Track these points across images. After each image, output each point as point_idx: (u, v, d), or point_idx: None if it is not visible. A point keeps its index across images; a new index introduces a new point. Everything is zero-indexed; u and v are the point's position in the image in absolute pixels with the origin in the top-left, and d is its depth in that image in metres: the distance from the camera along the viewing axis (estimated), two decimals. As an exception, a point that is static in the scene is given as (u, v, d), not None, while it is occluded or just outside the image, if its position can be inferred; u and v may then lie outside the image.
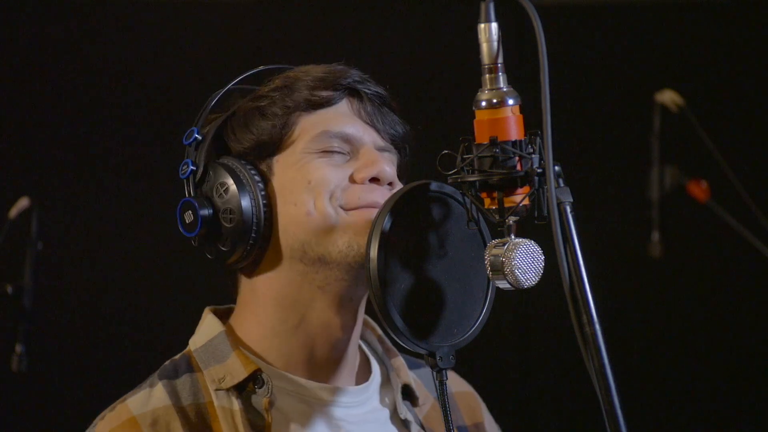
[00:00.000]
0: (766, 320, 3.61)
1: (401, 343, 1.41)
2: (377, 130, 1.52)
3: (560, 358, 3.57)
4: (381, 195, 1.46)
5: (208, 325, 1.52)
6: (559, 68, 3.51)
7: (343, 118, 1.50)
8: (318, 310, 1.48)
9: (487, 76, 1.33)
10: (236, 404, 1.44)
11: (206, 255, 1.50)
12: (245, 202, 1.44)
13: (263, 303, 1.49)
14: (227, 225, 1.45)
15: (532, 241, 1.33)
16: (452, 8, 3.52)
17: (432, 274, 1.42)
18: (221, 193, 1.45)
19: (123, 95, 3.45)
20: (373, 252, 1.38)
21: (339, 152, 1.48)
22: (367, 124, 1.52)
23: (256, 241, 1.46)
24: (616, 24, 3.66)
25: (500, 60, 1.33)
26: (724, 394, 3.62)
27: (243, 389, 1.45)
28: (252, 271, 1.49)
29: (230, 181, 1.44)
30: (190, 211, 1.46)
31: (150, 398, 1.45)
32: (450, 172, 1.37)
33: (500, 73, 1.33)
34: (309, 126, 1.48)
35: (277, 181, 1.47)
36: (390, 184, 1.48)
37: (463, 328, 1.43)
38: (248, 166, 1.46)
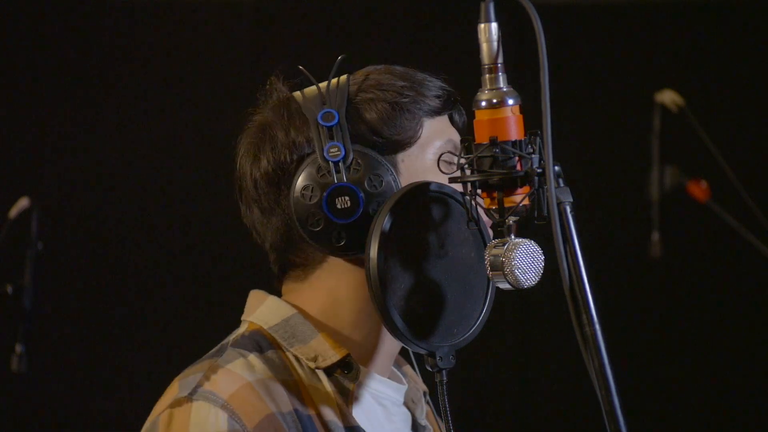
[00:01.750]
0: (766, 320, 3.61)
1: (401, 343, 1.41)
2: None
3: (560, 358, 3.57)
4: None
5: (274, 306, 1.48)
6: (559, 68, 3.52)
7: (451, 128, 1.51)
8: None
9: (487, 76, 1.33)
10: (328, 386, 1.43)
11: (324, 243, 1.43)
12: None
13: (349, 291, 1.46)
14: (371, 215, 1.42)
15: (532, 241, 1.33)
16: (452, 8, 3.52)
17: (432, 274, 1.42)
18: (374, 185, 1.42)
19: (123, 95, 3.45)
20: (373, 252, 1.38)
21: (450, 162, 1.48)
22: (459, 132, 1.54)
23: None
24: (616, 24, 3.67)
25: (500, 60, 1.33)
26: (724, 394, 3.63)
27: (332, 373, 1.44)
28: (353, 259, 1.46)
29: (383, 174, 1.43)
30: (347, 197, 1.41)
31: (252, 367, 1.41)
32: (450, 173, 1.37)
33: (500, 73, 1.33)
34: (433, 132, 1.48)
35: (404, 182, 1.45)
36: None
37: (463, 328, 1.43)
38: (383, 159, 1.45)
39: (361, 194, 1.41)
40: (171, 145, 3.43)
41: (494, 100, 1.33)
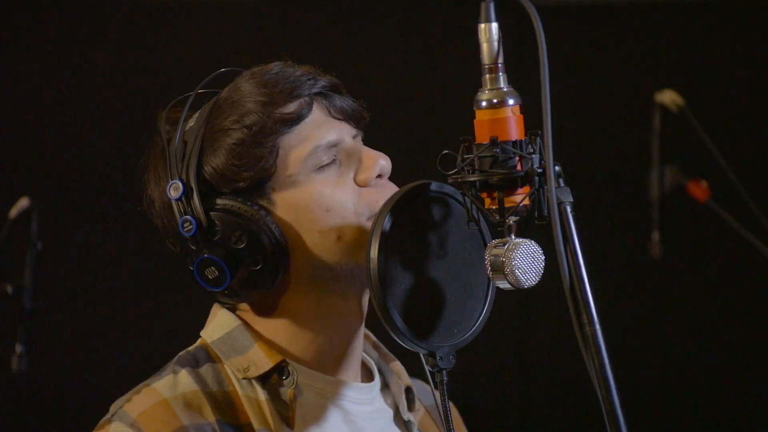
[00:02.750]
0: (766, 320, 3.61)
1: (401, 343, 1.41)
2: (347, 120, 1.50)
3: (560, 358, 3.57)
4: (391, 188, 1.47)
5: (223, 319, 1.51)
6: (559, 68, 3.52)
7: (321, 125, 1.48)
8: (339, 314, 1.49)
9: (488, 76, 1.33)
10: (262, 394, 1.44)
11: (221, 296, 1.48)
12: (267, 244, 1.43)
13: (278, 320, 1.49)
14: (254, 268, 1.43)
15: (533, 241, 1.33)
16: (452, 8, 3.52)
17: (432, 274, 1.42)
18: (237, 240, 1.43)
19: (123, 95, 3.45)
20: (373, 252, 1.38)
21: (328, 163, 1.46)
22: (338, 119, 1.49)
23: (281, 270, 1.45)
24: (616, 24, 3.67)
25: (500, 60, 1.33)
26: (724, 393, 3.62)
27: (267, 380, 1.45)
28: (269, 303, 1.49)
29: (243, 226, 1.42)
30: (213, 268, 1.43)
31: (177, 383, 1.44)
32: (450, 172, 1.37)
33: (500, 73, 1.33)
34: (294, 145, 1.46)
35: (282, 211, 1.45)
36: None
37: (464, 328, 1.43)
38: (249, 204, 1.44)
39: (223, 260, 1.42)
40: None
41: (495, 100, 1.33)
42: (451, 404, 1.49)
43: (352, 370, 1.52)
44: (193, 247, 1.44)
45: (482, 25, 1.32)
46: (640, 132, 3.16)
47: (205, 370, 1.46)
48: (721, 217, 2.93)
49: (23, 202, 2.64)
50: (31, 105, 3.44)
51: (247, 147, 1.44)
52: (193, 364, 1.47)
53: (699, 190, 2.94)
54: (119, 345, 3.41)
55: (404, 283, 1.40)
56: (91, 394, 3.31)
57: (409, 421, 1.55)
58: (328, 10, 3.55)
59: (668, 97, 2.96)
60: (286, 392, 1.44)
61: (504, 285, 1.33)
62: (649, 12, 3.64)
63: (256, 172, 1.44)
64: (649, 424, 3.60)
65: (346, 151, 1.48)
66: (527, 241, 1.32)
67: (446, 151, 1.39)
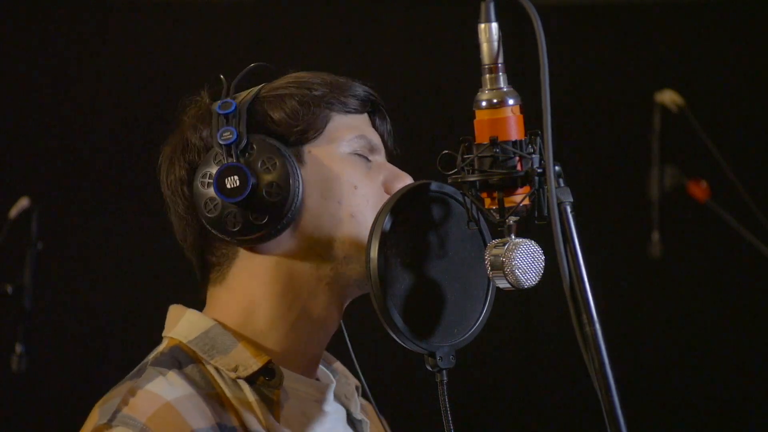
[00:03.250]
0: (766, 320, 3.61)
1: (401, 343, 1.41)
2: (384, 143, 1.55)
3: (560, 358, 3.57)
4: None
5: (194, 319, 1.49)
6: (559, 68, 3.52)
7: (369, 127, 1.53)
8: (319, 306, 1.48)
9: (487, 76, 1.33)
10: (251, 395, 1.43)
11: (222, 230, 1.45)
12: (293, 181, 1.44)
13: (263, 288, 1.47)
14: (269, 199, 1.43)
15: (532, 241, 1.33)
16: (452, 8, 3.52)
17: (432, 274, 1.42)
18: (268, 167, 1.44)
19: (123, 95, 3.45)
20: (373, 252, 1.38)
21: (366, 159, 1.50)
22: (380, 136, 1.55)
23: (289, 222, 1.45)
24: (616, 24, 3.67)
25: (500, 60, 1.33)
26: (724, 393, 3.63)
27: (253, 381, 1.44)
28: (262, 251, 1.48)
29: (277, 157, 1.44)
30: (236, 176, 1.43)
31: (172, 385, 1.41)
32: (450, 172, 1.36)
33: (500, 73, 1.33)
34: (344, 126, 1.50)
35: (310, 172, 1.47)
36: None
37: (464, 328, 1.43)
38: (286, 148, 1.46)
39: (250, 173, 1.43)
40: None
41: (494, 100, 1.33)
42: (380, 417, 1.52)
43: (315, 369, 1.52)
44: (221, 157, 1.44)
45: (482, 25, 1.32)
46: (640, 132, 3.16)
47: (191, 371, 1.44)
48: (721, 217, 2.93)
49: (23, 202, 2.65)
50: (31, 105, 3.44)
51: (306, 105, 1.48)
52: (177, 365, 1.44)
53: (699, 190, 2.94)
54: (119, 345, 3.41)
55: (404, 283, 1.40)
56: (91, 394, 3.30)
57: (361, 420, 1.55)
58: (328, 11, 3.55)
59: (668, 97, 2.96)
60: (273, 392, 1.44)
61: (504, 285, 1.33)
62: (649, 12, 3.64)
63: (304, 127, 1.47)
64: (649, 424, 3.60)
65: (379, 163, 1.52)
66: (527, 241, 1.32)
67: (446, 151, 1.39)
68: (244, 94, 1.50)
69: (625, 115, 3.61)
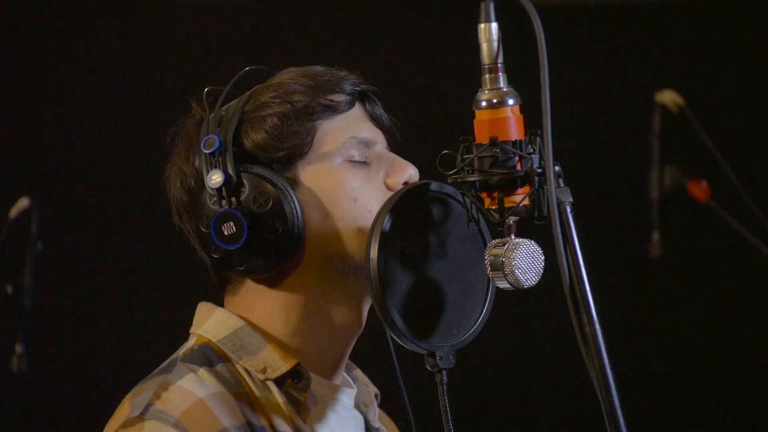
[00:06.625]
0: (766, 320, 3.61)
1: (401, 343, 1.41)
2: (382, 130, 1.52)
3: (560, 358, 3.57)
4: None
5: (223, 318, 1.49)
6: (559, 68, 3.52)
7: (360, 122, 1.50)
8: (341, 313, 1.47)
9: (487, 76, 1.33)
10: (279, 397, 1.43)
11: (229, 268, 1.45)
12: (289, 210, 1.42)
13: (282, 309, 1.47)
14: (268, 236, 1.42)
15: (532, 241, 1.33)
16: (452, 8, 3.52)
17: (432, 274, 1.42)
18: (261, 204, 1.42)
19: (123, 95, 3.45)
20: (373, 252, 1.38)
21: (360, 162, 1.48)
22: (376, 125, 1.52)
23: (294, 251, 1.43)
24: (616, 24, 3.67)
25: (500, 60, 1.33)
26: (724, 393, 3.62)
27: (281, 383, 1.44)
28: (275, 282, 1.47)
29: (270, 191, 1.42)
30: (231, 223, 1.41)
31: (203, 382, 1.41)
32: (450, 172, 1.36)
33: (500, 73, 1.33)
34: (331, 132, 1.47)
35: (305, 191, 1.45)
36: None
37: (464, 328, 1.43)
38: (278, 175, 1.44)
39: (244, 217, 1.41)
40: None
41: (494, 100, 1.33)
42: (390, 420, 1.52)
43: (341, 375, 1.52)
44: (215, 201, 1.42)
45: (482, 25, 1.32)
46: (640, 132, 3.16)
47: (221, 369, 1.44)
48: (721, 217, 2.93)
49: (23, 202, 2.65)
50: (31, 104, 3.44)
51: (288, 121, 1.45)
52: (207, 363, 1.44)
53: (699, 190, 2.94)
54: (119, 345, 3.41)
55: (404, 283, 1.40)
56: (91, 394, 3.31)
57: (378, 428, 1.55)
58: (328, 10, 3.55)
59: (668, 97, 2.95)
60: (300, 395, 1.44)
61: (504, 285, 1.33)
62: (649, 12, 3.64)
63: (291, 147, 1.45)
64: (649, 424, 3.60)
65: (378, 155, 1.49)
66: (527, 241, 1.32)
67: (446, 151, 1.39)
68: (233, 105, 1.48)
69: (625, 115, 3.61)
